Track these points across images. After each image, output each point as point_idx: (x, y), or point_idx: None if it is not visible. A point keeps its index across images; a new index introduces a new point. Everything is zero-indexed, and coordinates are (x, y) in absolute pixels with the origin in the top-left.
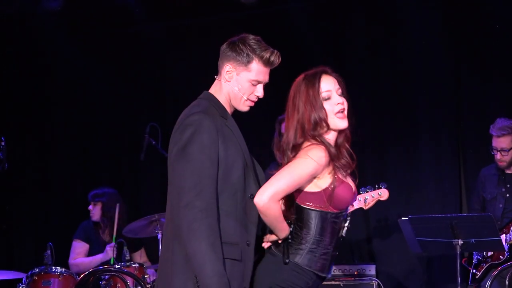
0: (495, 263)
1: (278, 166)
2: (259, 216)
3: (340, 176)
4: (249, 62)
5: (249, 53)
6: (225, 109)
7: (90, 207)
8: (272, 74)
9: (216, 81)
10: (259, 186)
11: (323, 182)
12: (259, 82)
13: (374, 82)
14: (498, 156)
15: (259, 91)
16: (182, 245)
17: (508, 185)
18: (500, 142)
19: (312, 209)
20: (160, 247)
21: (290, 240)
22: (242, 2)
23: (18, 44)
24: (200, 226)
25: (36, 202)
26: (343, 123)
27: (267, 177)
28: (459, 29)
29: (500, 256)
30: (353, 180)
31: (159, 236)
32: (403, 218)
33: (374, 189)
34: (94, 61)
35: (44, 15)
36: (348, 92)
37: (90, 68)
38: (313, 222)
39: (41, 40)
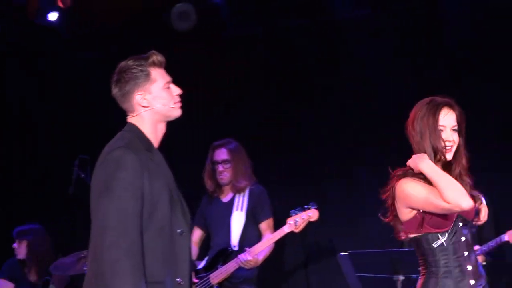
0: None
1: (209, 197)
2: (190, 253)
3: None
4: (148, 75)
5: (141, 68)
6: (150, 142)
7: (15, 245)
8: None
9: (132, 119)
10: (187, 221)
11: None
12: (169, 83)
13: (316, 118)
14: None
15: (176, 90)
16: (105, 286)
17: None
18: None
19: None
20: None
21: None
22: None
23: None
24: (124, 266)
25: None
26: (449, 156)
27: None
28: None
29: None
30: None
31: None
32: (342, 253)
33: (304, 210)
34: (24, 92)
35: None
36: (286, 123)
37: (20, 100)
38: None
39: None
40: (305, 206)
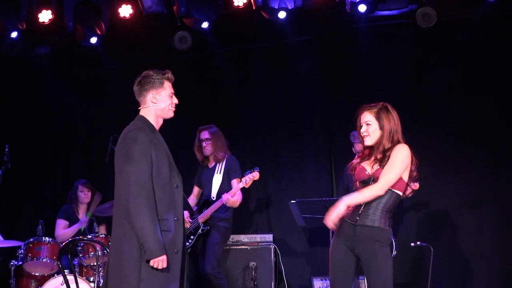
0: None
1: (201, 166)
2: (183, 200)
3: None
4: (162, 84)
5: (159, 78)
6: (153, 126)
7: (86, 192)
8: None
9: (143, 110)
10: (179, 179)
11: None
12: (172, 94)
13: (272, 110)
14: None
15: (175, 100)
16: (130, 223)
17: None
18: (360, 146)
19: None
20: None
21: None
22: (177, 49)
23: (20, 80)
24: (144, 209)
25: (30, 192)
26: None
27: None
28: (332, 72)
29: None
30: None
31: None
32: (292, 201)
33: (250, 173)
34: (74, 93)
35: (37, 59)
36: (252, 113)
37: (71, 99)
38: None
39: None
40: (252, 169)
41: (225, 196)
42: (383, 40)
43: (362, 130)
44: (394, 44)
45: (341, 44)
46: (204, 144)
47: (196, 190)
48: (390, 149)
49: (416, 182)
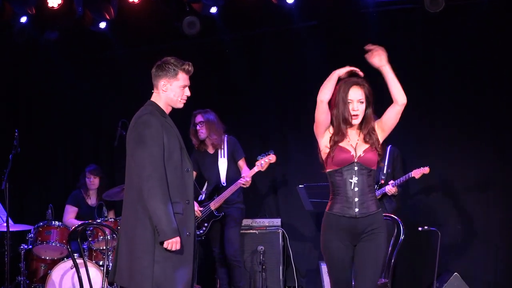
0: None
1: (198, 151)
2: (193, 184)
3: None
4: (176, 74)
5: (175, 68)
6: (163, 111)
7: (92, 179)
8: (202, 88)
9: (154, 94)
10: (190, 163)
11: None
12: (185, 86)
13: (279, 95)
14: None
15: (187, 92)
16: (143, 206)
17: None
18: None
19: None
20: None
21: None
22: (186, 33)
23: (28, 65)
24: (157, 191)
25: (39, 176)
26: (355, 121)
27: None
28: (339, 57)
29: None
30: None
31: None
32: (300, 186)
33: (266, 155)
34: (82, 78)
35: (46, 43)
36: (259, 98)
37: (79, 84)
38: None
39: (44, 62)
40: (267, 153)
41: (243, 179)
42: (391, 26)
43: (354, 109)
44: (402, 30)
45: (348, 29)
46: (198, 127)
47: (194, 174)
48: (373, 128)
49: (426, 167)
